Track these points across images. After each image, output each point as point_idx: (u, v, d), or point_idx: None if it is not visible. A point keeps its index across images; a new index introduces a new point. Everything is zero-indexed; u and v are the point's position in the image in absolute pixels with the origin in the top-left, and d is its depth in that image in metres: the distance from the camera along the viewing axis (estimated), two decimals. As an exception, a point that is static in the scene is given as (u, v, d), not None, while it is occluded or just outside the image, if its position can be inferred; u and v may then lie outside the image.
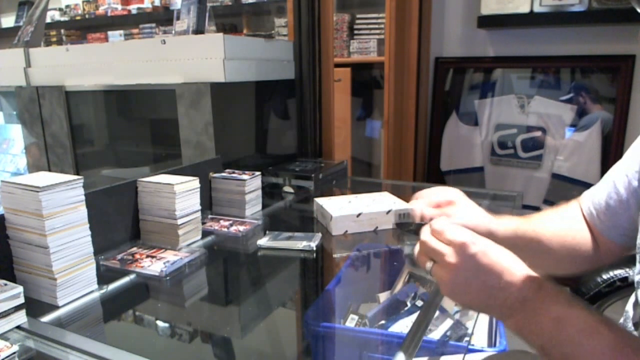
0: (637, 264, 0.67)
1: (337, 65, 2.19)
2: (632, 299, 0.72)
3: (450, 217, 0.77)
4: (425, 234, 0.63)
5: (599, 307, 1.04)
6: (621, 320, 0.73)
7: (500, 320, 0.57)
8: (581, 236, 0.80)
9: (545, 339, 0.53)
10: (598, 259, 0.80)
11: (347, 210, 1.20)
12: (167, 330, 0.87)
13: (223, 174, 1.35)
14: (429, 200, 0.81)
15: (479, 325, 1.17)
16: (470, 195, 0.83)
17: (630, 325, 0.68)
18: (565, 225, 0.80)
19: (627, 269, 1.02)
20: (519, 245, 0.77)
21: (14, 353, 0.68)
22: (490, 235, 0.73)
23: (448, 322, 1.10)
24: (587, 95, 2.04)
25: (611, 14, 1.81)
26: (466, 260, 0.57)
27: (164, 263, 0.99)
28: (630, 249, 0.72)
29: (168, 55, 1.55)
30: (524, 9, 1.96)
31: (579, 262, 0.81)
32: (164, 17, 3.66)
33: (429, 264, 0.61)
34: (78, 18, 4.06)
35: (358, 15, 2.89)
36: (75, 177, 0.86)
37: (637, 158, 0.72)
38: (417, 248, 0.64)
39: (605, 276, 1.01)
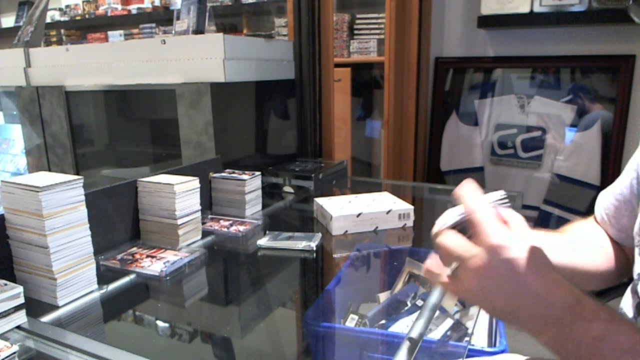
0: (637, 255, 0.67)
1: (337, 65, 2.19)
2: (626, 295, 0.71)
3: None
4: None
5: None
6: None
7: (532, 334, 0.50)
8: (604, 256, 0.76)
9: (584, 358, 0.48)
10: (620, 272, 0.77)
11: (347, 210, 1.20)
12: (167, 330, 0.87)
13: (223, 174, 1.35)
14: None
15: (479, 325, 1.17)
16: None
17: None
18: (589, 249, 0.76)
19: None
20: None
21: (14, 353, 0.68)
22: None
23: (448, 322, 1.10)
24: (586, 95, 2.04)
25: (611, 14, 1.81)
26: (499, 265, 0.49)
27: (164, 263, 0.99)
28: None
29: (168, 55, 1.55)
30: (524, 9, 1.96)
31: (602, 280, 0.77)
32: (164, 17, 3.66)
33: (454, 264, 0.53)
34: (78, 18, 4.07)
35: (358, 15, 2.89)
36: (75, 177, 0.86)
37: None
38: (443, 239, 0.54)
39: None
